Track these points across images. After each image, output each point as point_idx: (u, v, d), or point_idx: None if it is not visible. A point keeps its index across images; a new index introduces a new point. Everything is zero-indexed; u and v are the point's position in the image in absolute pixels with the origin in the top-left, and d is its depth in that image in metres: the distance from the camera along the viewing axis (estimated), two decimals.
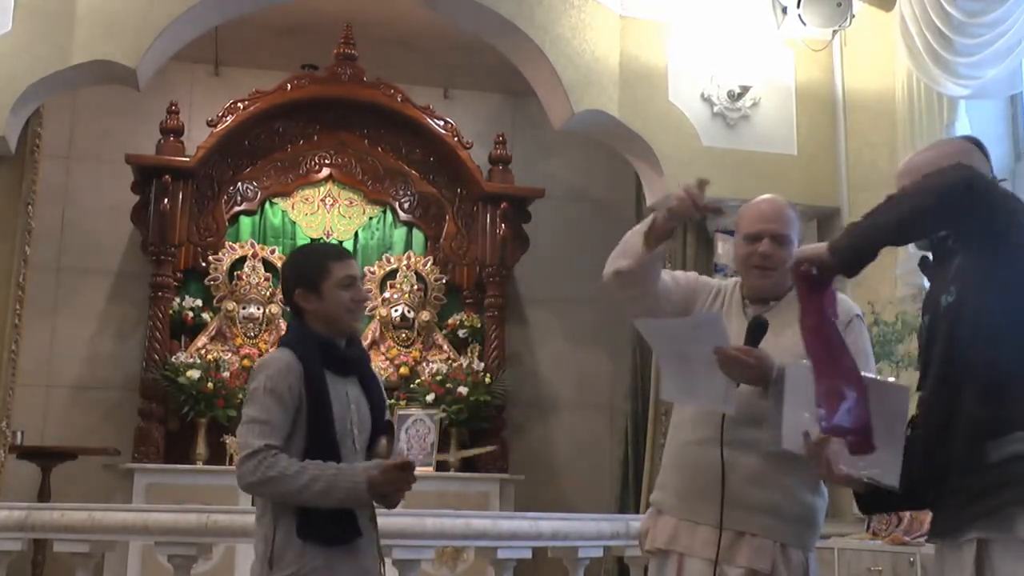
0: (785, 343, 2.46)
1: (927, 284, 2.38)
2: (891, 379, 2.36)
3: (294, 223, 7.86)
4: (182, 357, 7.11)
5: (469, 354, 7.68)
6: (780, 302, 2.62)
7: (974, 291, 2.08)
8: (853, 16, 6.04)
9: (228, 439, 6.98)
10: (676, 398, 2.60)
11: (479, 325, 7.77)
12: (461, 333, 7.81)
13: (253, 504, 2.70)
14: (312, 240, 7.84)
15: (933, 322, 2.20)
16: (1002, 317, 2.04)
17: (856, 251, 2.04)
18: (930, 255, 2.29)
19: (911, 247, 5.40)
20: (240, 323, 7.49)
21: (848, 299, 2.71)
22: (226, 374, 7.11)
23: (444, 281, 7.91)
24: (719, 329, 2.40)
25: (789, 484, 2.50)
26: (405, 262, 7.84)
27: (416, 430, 7.27)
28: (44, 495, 6.53)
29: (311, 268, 2.68)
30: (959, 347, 2.09)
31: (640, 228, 2.55)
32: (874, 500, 2.16)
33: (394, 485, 2.57)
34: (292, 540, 2.52)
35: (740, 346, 2.41)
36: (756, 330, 2.46)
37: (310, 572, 2.52)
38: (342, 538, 2.57)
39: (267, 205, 7.80)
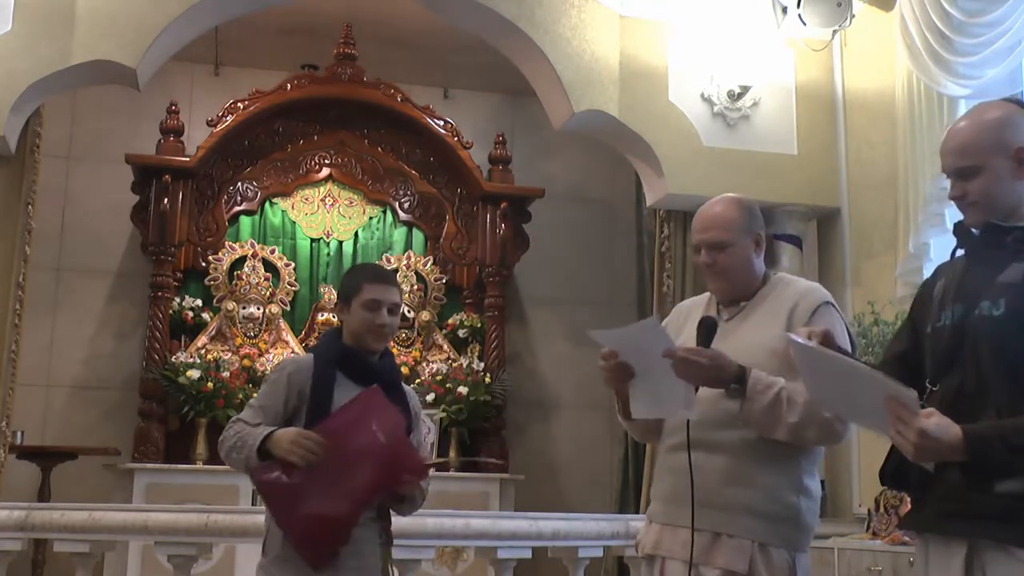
0: (741, 338, 2.50)
1: (944, 256, 2.27)
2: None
3: (294, 223, 7.86)
4: (182, 357, 7.11)
5: (469, 354, 7.68)
6: (751, 301, 2.62)
7: None
8: (853, 16, 6.03)
9: None
10: (645, 414, 2.58)
11: (479, 325, 7.77)
12: (461, 333, 7.81)
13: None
14: (312, 240, 7.86)
15: (965, 319, 2.09)
16: None
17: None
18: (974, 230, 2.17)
19: (911, 247, 5.43)
20: (240, 323, 7.49)
21: (818, 286, 2.68)
22: (226, 374, 7.11)
23: (444, 281, 7.91)
24: (660, 331, 2.41)
25: (767, 483, 2.48)
26: (405, 262, 7.84)
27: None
28: (44, 495, 6.53)
29: (349, 284, 2.88)
30: (997, 366, 2.01)
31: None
32: (895, 476, 2.14)
33: (295, 448, 2.60)
34: (275, 526, 2.71)
35: (691, 347, 2.40)
36: (706, 330, 2.44)
37: (291, 554, 2.66)
38: None
39: (267, 205, 7.80)
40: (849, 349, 2.38)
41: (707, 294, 2.75)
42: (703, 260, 2.63)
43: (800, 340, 2.10)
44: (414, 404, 2.93)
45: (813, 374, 2.11)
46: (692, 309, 2.75)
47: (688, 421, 2.42)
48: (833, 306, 2.59)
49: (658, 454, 2.67)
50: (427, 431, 7.29)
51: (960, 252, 2.22)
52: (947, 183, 5.02)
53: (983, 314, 2.05)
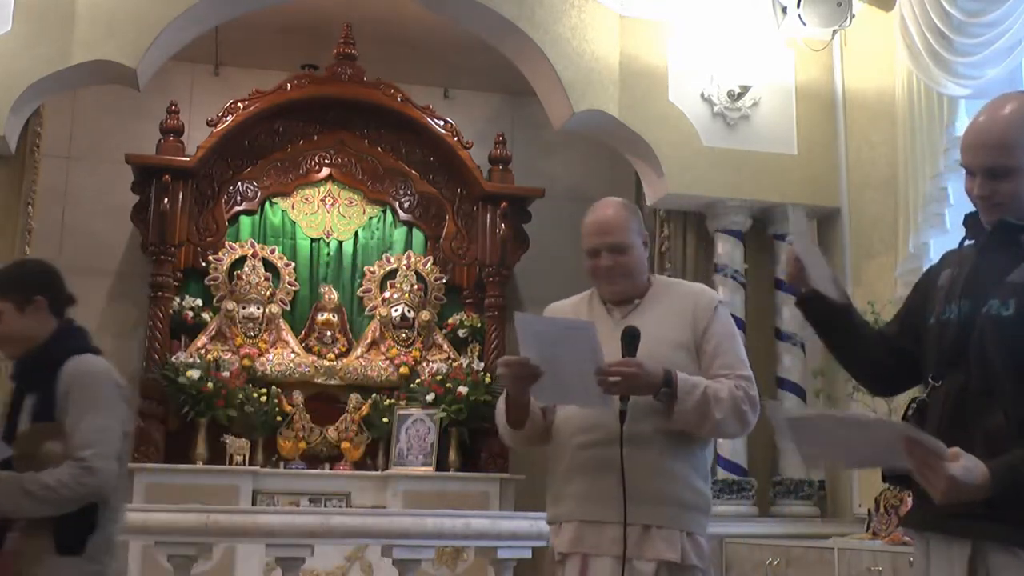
0: (645, 334, 2.51)
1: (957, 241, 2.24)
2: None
3: (294, 223, 7.86)
4: (182, 357, 7.11)
5: (469, 354, 7.68)
6: (643, 299, 2.68)
7: None
8: (853, 16, 6.04)
9: (228, 439, 6.99)
10: (552, 400, 2.61)
11: (479, 325, 7.77)
12: (461, 333, 7.81)
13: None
14: (312, 240, 7.86)
15: (973, 315, 2.05)
16: None
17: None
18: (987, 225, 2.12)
19: (911, 247, 5.43)
20: (240, 323, 7.48)
21: (705, 286, 2.80)
22: (226, 374, 7.11)
23: (444, 281, 7.91)
24: (591, 338, 2.40)
25: (684, 473, 2.55)
26: (405, 262, 7.84)
27: (416, 430, 7.27)
28: None
29: None
30: (1005, 366, 1.98)
31: (501, 408, 2.67)
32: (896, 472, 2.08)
33: None
34: None
35: (621, 359, 2.44)
36: (631, 340, 2.48)
37: None
38: None
39: (267, 205, 7.80)
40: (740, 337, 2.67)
41: (585, 294, 2.79)
42: (604, 263, 2.66)
43: (792, 413, 2.08)
44: (64, 384, 2.81)
45: (804, 438, 1.98)
46: (575, 308, 2.77)
47: (622, 420, 2.43)
48: (724, 304, 2.72)
49: (563, 453, 2.66)
50: (427, 431, 7.29)
51: (969, 242, 2.18)
52: (947, 183, 5.01)
53: (992, 313, 2.02)
